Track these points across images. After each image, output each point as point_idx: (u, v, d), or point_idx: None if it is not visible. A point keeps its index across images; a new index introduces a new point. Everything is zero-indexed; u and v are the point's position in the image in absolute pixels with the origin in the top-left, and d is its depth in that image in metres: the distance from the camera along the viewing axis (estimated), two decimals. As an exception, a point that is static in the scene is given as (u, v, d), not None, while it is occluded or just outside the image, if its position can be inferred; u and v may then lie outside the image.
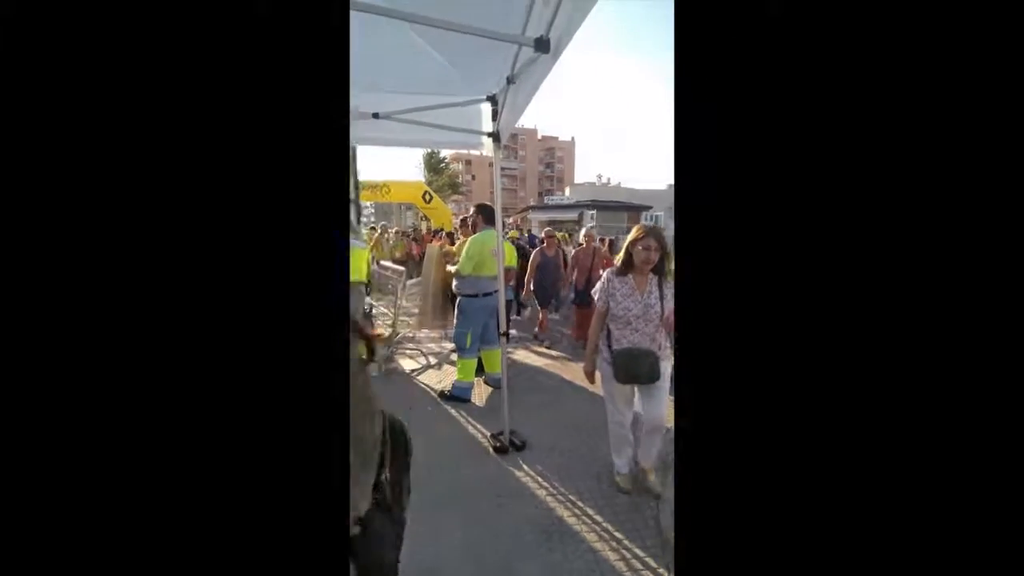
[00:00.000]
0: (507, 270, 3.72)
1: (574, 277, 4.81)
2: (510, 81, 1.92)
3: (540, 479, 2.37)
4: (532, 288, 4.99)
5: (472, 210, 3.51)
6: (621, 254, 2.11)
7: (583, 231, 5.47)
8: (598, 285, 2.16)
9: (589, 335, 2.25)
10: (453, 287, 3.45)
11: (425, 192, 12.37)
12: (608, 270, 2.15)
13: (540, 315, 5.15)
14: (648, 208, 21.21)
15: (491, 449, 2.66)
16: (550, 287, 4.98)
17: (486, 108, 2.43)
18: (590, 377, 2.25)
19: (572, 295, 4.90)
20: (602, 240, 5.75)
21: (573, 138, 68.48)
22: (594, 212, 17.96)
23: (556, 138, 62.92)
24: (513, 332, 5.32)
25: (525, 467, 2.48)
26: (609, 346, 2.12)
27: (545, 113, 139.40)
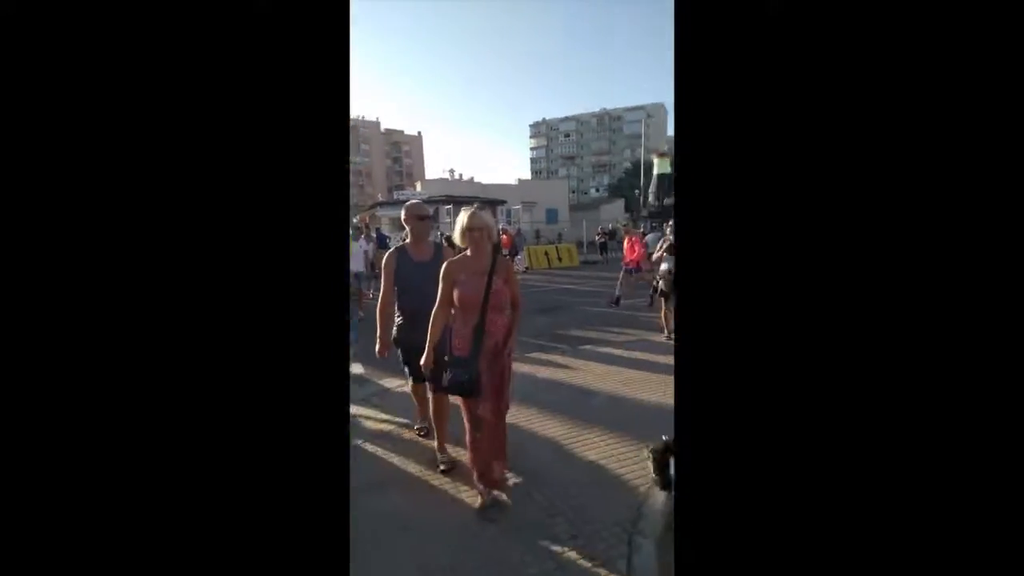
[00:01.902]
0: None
1: (452, 326, 1.93)
2: None
3: None
4: (393, 337, 2.29)
5: None
6: None
7: (464, 219, 1.91)
8: None
9: None
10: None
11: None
12: None
13: (412, 395, 2.57)
14: (503, 202, 20.94)
15: None
16: (420, 340, 1.96)
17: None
18: None
19: (449, 366, 1.88)
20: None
21: (420, 132, 66.35)
22: (450, 207, 16.80)
23: (402, 131, 60.10)
24: (358, 370, 3.74)
25: None
26: None
27: (388, 106, 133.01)
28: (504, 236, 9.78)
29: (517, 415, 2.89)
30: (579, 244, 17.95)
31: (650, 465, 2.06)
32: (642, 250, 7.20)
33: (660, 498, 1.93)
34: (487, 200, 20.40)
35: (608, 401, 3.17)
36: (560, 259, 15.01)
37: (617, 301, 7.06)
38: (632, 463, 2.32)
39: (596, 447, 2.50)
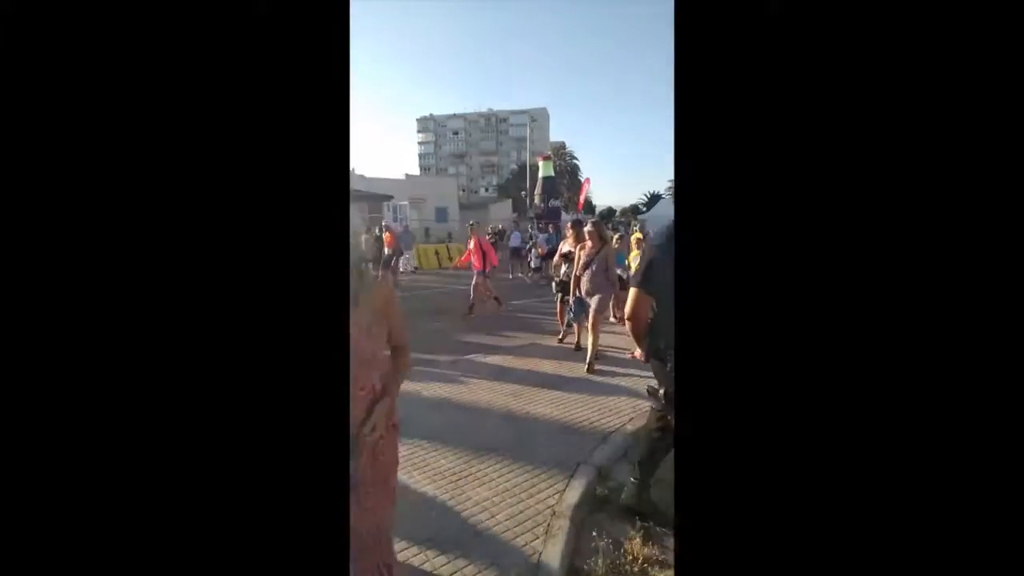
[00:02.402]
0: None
1: None
2: None
3: None
4: None
5: None
6: None
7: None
8: None
9: None
10: None
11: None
12: None
13: None
14: (389, 198, 19.77)
15: None
16: None
17: None
18: None
19: None
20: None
21: (295, 118, 59.79)
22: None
23: (272, 115, 53.48)
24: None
25: None
26: None
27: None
28: (387, 235, 8.81)
29: (402, 446, 2.48)
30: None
31: None
32: (492, 253, 6.49)
33: (559, 548, 1.71)
34: (372, 195, 19.00)
35: (499, 420, 2.92)
36: (451, 258, 14.62)
37: (476, 305, 6.43)
38: (528, 496, 2.08)
39: (488, 480, 2.21)
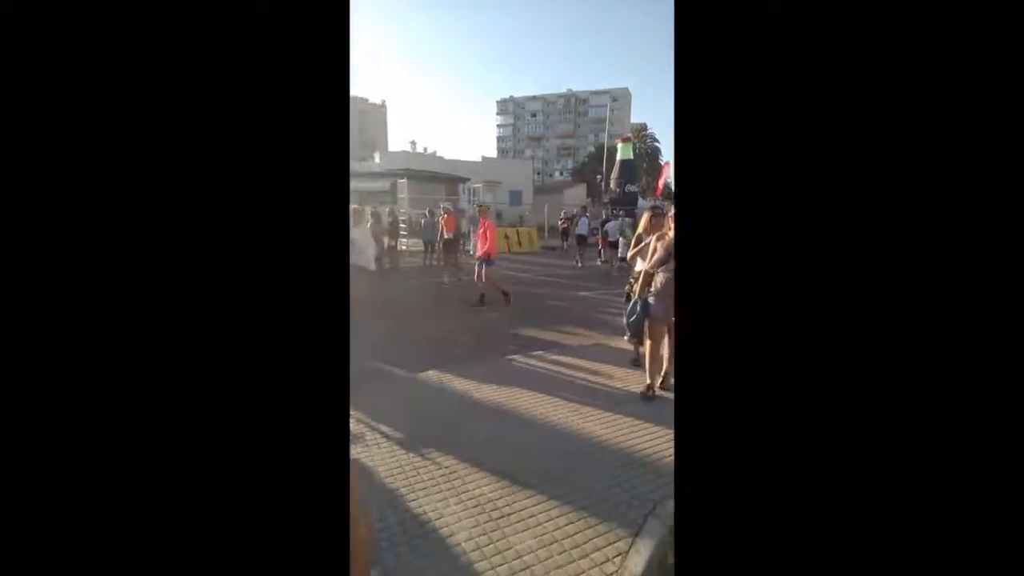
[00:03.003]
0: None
1: None
2: None
3: None
4: None
5: None
6: None
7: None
8: None
9: None
10: None
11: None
12: None
13: None
14: (466, 180, 19.84)
15: None
16: None
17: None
18: None
19: None
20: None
21: (384, 102, 62.98)
22: (406, 181, 15.56)
23: (365, 100, 56.73)
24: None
25: None
26: None
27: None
28: (446, 217, 8.34)
29: (439, 466, 2.20)
30: (540, 228, 17.34)
31: None
32: (493, 237, 6.01)
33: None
34: (448, 177, 19.20)
35: (554, 441, 2.52)
36: (520, 243, 14.33)
37: (481, 300, 6.04)
38: (581, 555, 1.68)
39: (535, 524, 1.84)
